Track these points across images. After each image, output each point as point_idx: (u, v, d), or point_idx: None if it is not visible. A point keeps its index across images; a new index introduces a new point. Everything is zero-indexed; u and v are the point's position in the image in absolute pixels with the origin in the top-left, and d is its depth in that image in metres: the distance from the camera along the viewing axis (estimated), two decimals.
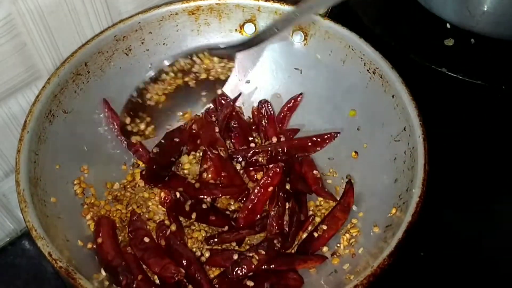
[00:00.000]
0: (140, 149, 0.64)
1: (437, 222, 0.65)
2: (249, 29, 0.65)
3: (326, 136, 0.64)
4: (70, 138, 0.58)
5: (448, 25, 0.73)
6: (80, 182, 0.59)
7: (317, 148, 0.64)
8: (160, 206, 0.60)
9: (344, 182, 0.62)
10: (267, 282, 0.54)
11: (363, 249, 0.55)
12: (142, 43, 0.63)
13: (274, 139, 0.64)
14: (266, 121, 0.66)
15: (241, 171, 0.63)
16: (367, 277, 0.46)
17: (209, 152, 0.61)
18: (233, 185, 0.62)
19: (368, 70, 0.60)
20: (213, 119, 0.65)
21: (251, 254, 0.55)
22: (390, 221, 0.53)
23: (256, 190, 0.59)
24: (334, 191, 0.63)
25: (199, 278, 0.53)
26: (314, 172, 0.63)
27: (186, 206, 0.58)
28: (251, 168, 0.64)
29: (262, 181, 0.60)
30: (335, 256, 0.56)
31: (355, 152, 0.63)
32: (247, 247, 0.59)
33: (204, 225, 0.60)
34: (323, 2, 0.55)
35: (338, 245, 0.57)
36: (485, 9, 0.68)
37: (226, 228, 0.59)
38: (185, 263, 0.54)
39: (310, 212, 0.61)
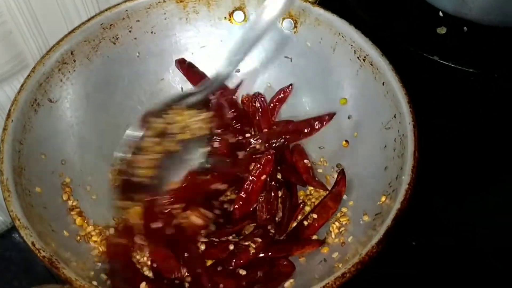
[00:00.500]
0: None
1: (428, 212, 0.65)
2: (239, 17, 0.65)
3: (324, 117, 0.63)
4: (56, 127, 0.58)
5: (440, 13, 0.72)
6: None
7: (314, 132, 0.64)
8: None
9: (335, 171, 0.62)
10: (260, 270, 0.53)
11: (353, 237, 0.54)
12: (130, 31, 0.62)
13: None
14: (259, 114, 0.65)
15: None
16: (355, 265, 0.45)
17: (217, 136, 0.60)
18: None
19: (358, 58, 0.60)
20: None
21: (247, 243, 0.54)
22: (380, 209, 0.52)
23: (249, 180, 0.59)
24: (324, 180, 0.62)
25: (198, 270, 0.53)
26: (305, 161, 0.62)
27: None
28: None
29: (254, 170, 0.59)
30: (324, 245, 0.56)
31: (346, 141, 0.62)
32: (241, 237, 0.58)
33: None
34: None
35: (328, 234, 0.57)
36: None
37: (221, 220, 0.59)
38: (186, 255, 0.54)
39: (300, 201, 0.61)
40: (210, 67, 0.66)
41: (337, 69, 0.62)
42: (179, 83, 0.67)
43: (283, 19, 0.63)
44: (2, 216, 0.70)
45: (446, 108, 0.71)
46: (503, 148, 0.69)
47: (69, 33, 0.58)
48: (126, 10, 0.61)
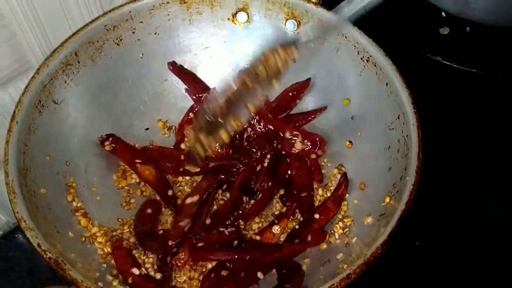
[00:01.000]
0: None
1: (432, 212, 0.65)
2: (242, 18, 0.65)
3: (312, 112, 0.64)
4: (61, 128, 0.58)
5: (443, 14, 0.72)
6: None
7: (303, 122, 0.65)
8: None
9: (338, 172, 0.62)
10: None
11: (357, 238, 0.54)
12: (133, 32, 0.62)
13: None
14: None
15: None
16: (360, 266, 0.46)
17: None
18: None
19: (361, 59, 0.60)
20: None
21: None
22: (384, 210, 0.52)
23: None
24: (327, 181, 0.62)
25: None
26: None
27: None
28: None
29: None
30: (329, 245, 0.56)
31: (349, 141, 0.62)
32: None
33: None
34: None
35: (332, 234, 0.57)
36: None
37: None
38: None
39: None
40: (213, 68, 0.67)
41: (340, 70, 0.62)
42: (183, 84, 0.67)
43: (286, 20, 0.63)
44: (5, 217, 0.70)
45: (449, 109, 0.71)
46: (507, 148, 0.69)
47: (73, 34, 0.58)
48: (130, 12, 0.61)
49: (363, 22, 0.61)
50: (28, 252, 0.68)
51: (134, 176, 0.62)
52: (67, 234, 0.53)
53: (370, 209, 0.55)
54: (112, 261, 0.54)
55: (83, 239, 0.55)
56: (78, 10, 0.60)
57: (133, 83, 0.64)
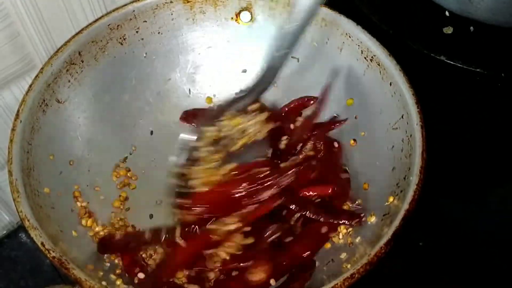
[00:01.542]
0: None
1: (436, 212, 0.65)
2: (245, 17, 0.65)
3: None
4: (64, 128, 0.58)
5: (447, 13, 0.72)
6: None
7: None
8: None
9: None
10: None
11: (361, 238, 0.54)
12: (137, 32, 0.62)
13: None
14: None
15: None
16: (363, 266, 0.45)
17: None
18: None
19: (365, 58, 0.59)
20: None
21: None
22: (388, 210, 0.52)
23: None
24: None
25: None
26: None
27: None
28: None
29: None
30: (332, 245, 0.56)
31: (354, 139, 0.62)
32: None
33: None
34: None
35: (336, 234, 0.57)
36: None
37: None
38: None
39: None
40: (217, 67, 0.67)
41: (344, 69, 0.62)
42: (186, 84, 0.67)
43: None
44: (9, 216, 0.71)
45: (453, 108, 0.71)
46: (511, 148, 0.69)
47: (77, 33, 0.58)
48: (133, 11, 0.61)
49: (366, 21, 0.61)
50: (31, 252, 0.68)
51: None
52: (70, 233, 0.53)
53: (374, 209, 0.55)
54: (116, 260, 0.54)
55: (87, 238, 0.55)
56: (81, 9, 0.60)
57: (136, 83, 0.64)
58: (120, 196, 0.61)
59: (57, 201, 0.54)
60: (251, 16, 0.65)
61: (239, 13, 0.64)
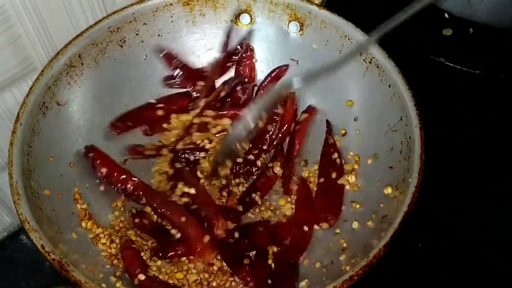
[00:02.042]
0: None
1: (435, 213, 0.65)
2: (245, 20, 0.65)
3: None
4: (64, 130, 0.58)
5: (446, 15, 0.72)
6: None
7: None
8: None
9: None
10: None
11: (360, 240, 0.54)
12: (137, 34, 0.62)
13: None
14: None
15: None
16: (362, 268, 0.46)
17: None
18: None
19: (364, 60, 0.60)
20: None
21: None
22: (387, 212, 0.52)
23: None
24: None
25: None
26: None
27: None
28: None
29: None
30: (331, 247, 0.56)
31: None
32: None
33: None
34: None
35: (335, 236, 0.57)
36: None
37: None
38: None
39: None
40: None
41: (343, 71, 0.62)
42: (186, 85, 0.67)
43: (289, 21, 0.64)
44: (9, 218, 0.71)
45: (452, 110, 0.71)
46: (510, 149, 0.69)
47: (77, 36, 0.58)
48: (133, 14, 0.61)
49: (366, 23, 0.61)
50: (31, 253, 0.68)
51: None
52: (70, 235, 0.53)
53: (373, 210, 0.55)
54: (116, 262, 0.54)
55: (87, 240, 0.55)
56: (82, 12, 0.60)
57: (136, 85, 0.64)
58: (120, 198, 0.61)
59: (58, 203, 0.54)
60: (251, 19, 0.65)
61: (239, 15, 0.65)
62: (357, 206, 0.58)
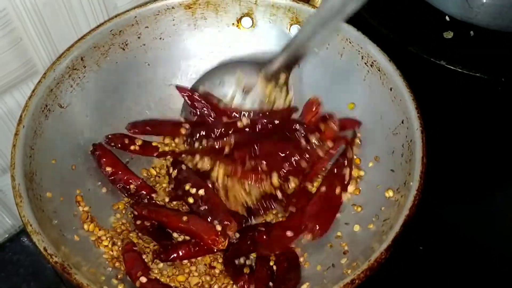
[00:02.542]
0: None
1: (436, 216, 0.65)
2: (246, 23, 0.65)
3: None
4: (67, 132, 0.58)
5: (447, 18, 0.72)
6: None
7: None
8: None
9: None
10: None
11: (361, 243, 0.54)
12: (139, 37, 0.63)
13: None
14: None
15: None
16: (364, 271, 0.46)
17: None
18: None
19: (366, 63, 0.60)
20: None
21: None
22: (388, 215, 0.52)
23: None
24: None
25: None
26: None
27: None
28: None
29: None
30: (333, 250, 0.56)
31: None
32: None
33: None
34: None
35: (336, 239, 0.57)
36: (484, 1, 0.67)
37: None
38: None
39: None
40: None
41: (344, 74, 0.62)
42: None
43: (291, 25, 0.64)
44: (10, 220, 0.71)
45: (453, 113, 0.71)
46: (511, 152, 0.69)
47: (79, 39, 0.59)
48: (135, 17, 0.61)
49: (367, 26, 0.61)
50: (33, 255, 0.68)
51: None
52: (72, 238, 0.53)
53: (374, 214, 0.55)
54: (117, 265, 0.54)
55: (89, 242, 0.55)
56: (84, 15, 0.61)
57: (138, 88, 0.64)
58: (122, 200, 0.61)
59: (60, 205, 0.54)
60: (252, 22, 0.65)
61: (240, 19, 0.65)
62: (358, 209, 0.58)
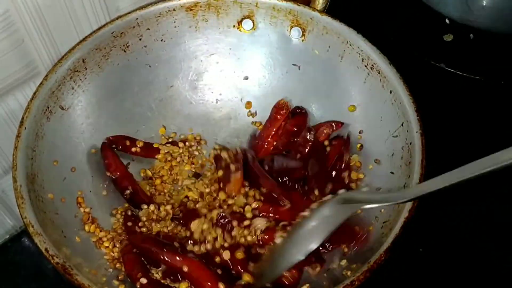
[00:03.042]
0: None
1: (436, 218, 0.65)
2: (247, 25, 0.65)
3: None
4: (68, 134, 0.59)
5: (447, 20, 0.73)
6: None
7: None
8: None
9: None
10: None
11: None
12: (140, 39, 0.63)
13: None
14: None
15: None
16: (363, 273, 0.46)
17: None
18: None
19: (366, 66, 0.60)
20: None
21: None
22: (387, 217, 0.52)
23: None
24: None
25: None
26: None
27: None
28: None
29: None
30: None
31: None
32: None
33: None
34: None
35: None
36: (484, 3, 0.68)
37: None
38: None
39: None
40: (219, 74, 0.67)
41: (344, 77, 0.62)
42: (188, 90, 0.67)
43: (291, 27, 0.64)
44: (12, 221, 0.71)
45: (452, 116, 0.71)
46: None
47: (81, 41, 0.59)
48: (137, 19, 0.61)
49: (367, 29, 0.61)
50: (34, 256, 0.68)
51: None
52: (74, 239, 0.54)
53: (373, 216, 0.55)
54: (118, 266, 0.54)
55: (90, 244, 0.55)
56: (85, 17, 0.61)
57: (139, 89, 0.65)
58: (123, 202, 0.61)
59: (61, 207, 0.54)
60: (253, 24, 0.65)
61: (241, 21, 0.65)
62: (358, 211, 0.58)
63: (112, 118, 0.63)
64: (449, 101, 0.71)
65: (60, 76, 0.57)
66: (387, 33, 0.72)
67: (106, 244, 0.56)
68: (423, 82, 0.63)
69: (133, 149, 0.63)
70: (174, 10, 0.63)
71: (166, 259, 0.53)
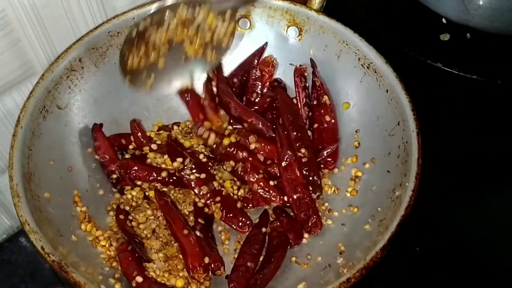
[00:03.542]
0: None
1: (432, 217, 0.65)
2: (244, 25, 0.66)
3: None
4: (65, 133, 0.59)
5: (443, 20, 0.73)
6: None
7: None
8: None
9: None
10: None
11: (357, 242, 0.54)
12: None
13: None
14: None
15: None
16: (359, 270, 0.46)
17: None
18: None
19: (362, 65, 0.60)
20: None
21: None
22: (384, 215, 0.52)
23: None
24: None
25: None
26: None
27: None
28: None
29: None
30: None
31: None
32: None
33: None
34: None
35: (333, 239, 0.57)
36: (481, 3, 0.68)
37: None
38: None
39: None
40: None
41: (341, 76, 0.63)
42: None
43: (288, 27, 0.64)
44: (9, 221, 0.71)
45: (449, 115, 0.71)
46: (507, 154, 0.69)
47: (77, 40, 0.59)
48: (133, 18, 0.61)
49: (364, 28, 0.61)
50: (31, 256, 0.68)
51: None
52: (70, 238, 0.54)
53: (370, 214, 0.55)
54: (115, 264, 0.54)
55: (86, 242, 0.55)
56: (82, 16, 0.61)
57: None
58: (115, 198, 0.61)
59: (57, 205, 0.54)
60: (250, 24, 0.65)
61: (238, 20, 0.65)
62: (355, 210, 0.58)
63: (109, 117, 0.63)
64: (446, 100, 0.71)
65: (57, 75, 0.57)
66: (384, 32, 0.72)
67: (102, 243, 0.55)
68: (419, 82, 0.63)
69: (130, 146, 0.63)
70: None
71: None
